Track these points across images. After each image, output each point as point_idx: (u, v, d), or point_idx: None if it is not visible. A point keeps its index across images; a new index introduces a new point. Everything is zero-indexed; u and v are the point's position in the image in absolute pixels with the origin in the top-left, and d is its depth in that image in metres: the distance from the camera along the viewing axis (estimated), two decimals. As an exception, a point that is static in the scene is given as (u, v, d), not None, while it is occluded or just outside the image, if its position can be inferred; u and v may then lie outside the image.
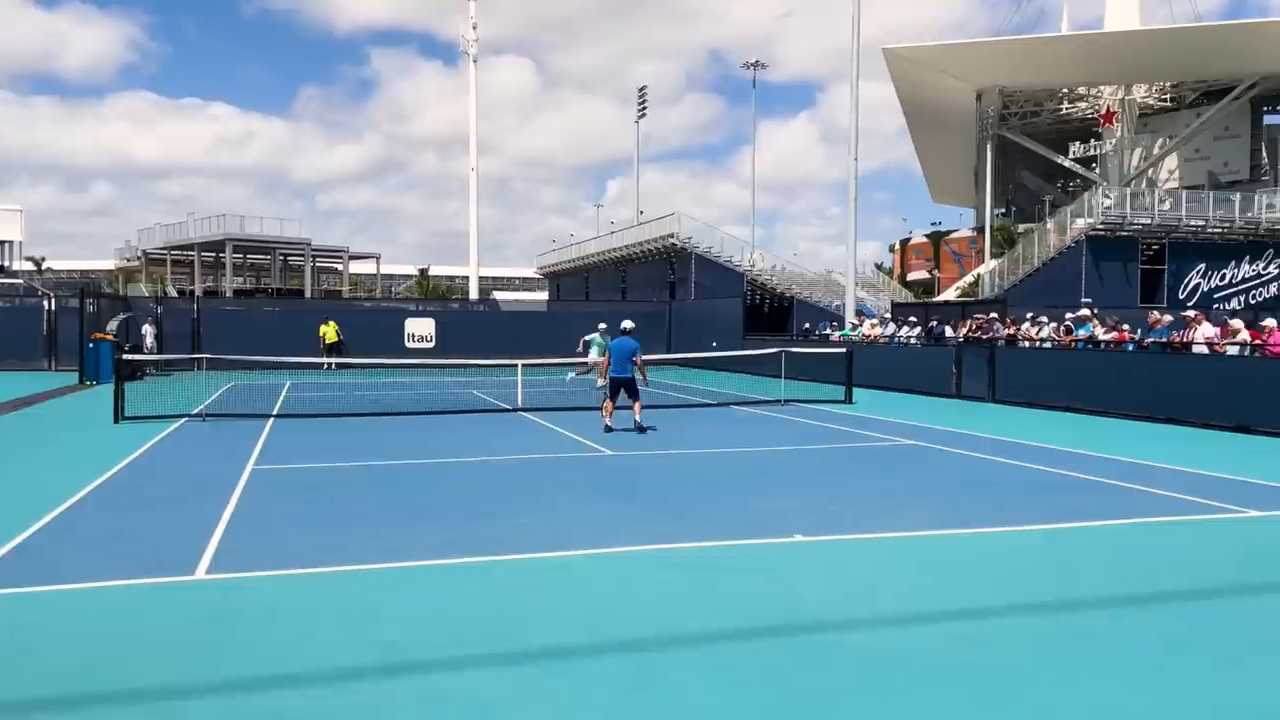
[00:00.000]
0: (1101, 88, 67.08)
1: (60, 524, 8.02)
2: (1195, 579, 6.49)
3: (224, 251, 50.87)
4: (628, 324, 15.29)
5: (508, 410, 18.02)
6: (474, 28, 46.52)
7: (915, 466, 11.62)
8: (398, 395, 21.00)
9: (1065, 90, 68.70)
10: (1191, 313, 17.42)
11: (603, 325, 24.00)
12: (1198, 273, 38.78)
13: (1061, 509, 8.79)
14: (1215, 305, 36.24)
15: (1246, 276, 39.13)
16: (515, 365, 19.06)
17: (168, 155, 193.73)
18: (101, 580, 6.27)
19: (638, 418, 14.72)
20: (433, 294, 78.48)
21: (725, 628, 5.39)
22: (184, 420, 16.00)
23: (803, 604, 5.85)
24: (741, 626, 5.41)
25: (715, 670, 4.73)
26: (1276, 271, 39.19)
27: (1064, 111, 70.70)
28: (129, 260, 64.81)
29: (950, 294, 60.82)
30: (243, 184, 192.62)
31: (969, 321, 23.03)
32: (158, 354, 27.09)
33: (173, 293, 50.24)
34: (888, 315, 33.00)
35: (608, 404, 14.77)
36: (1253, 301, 37.82)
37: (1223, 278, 38.97)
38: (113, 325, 27.03)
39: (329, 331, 31.13)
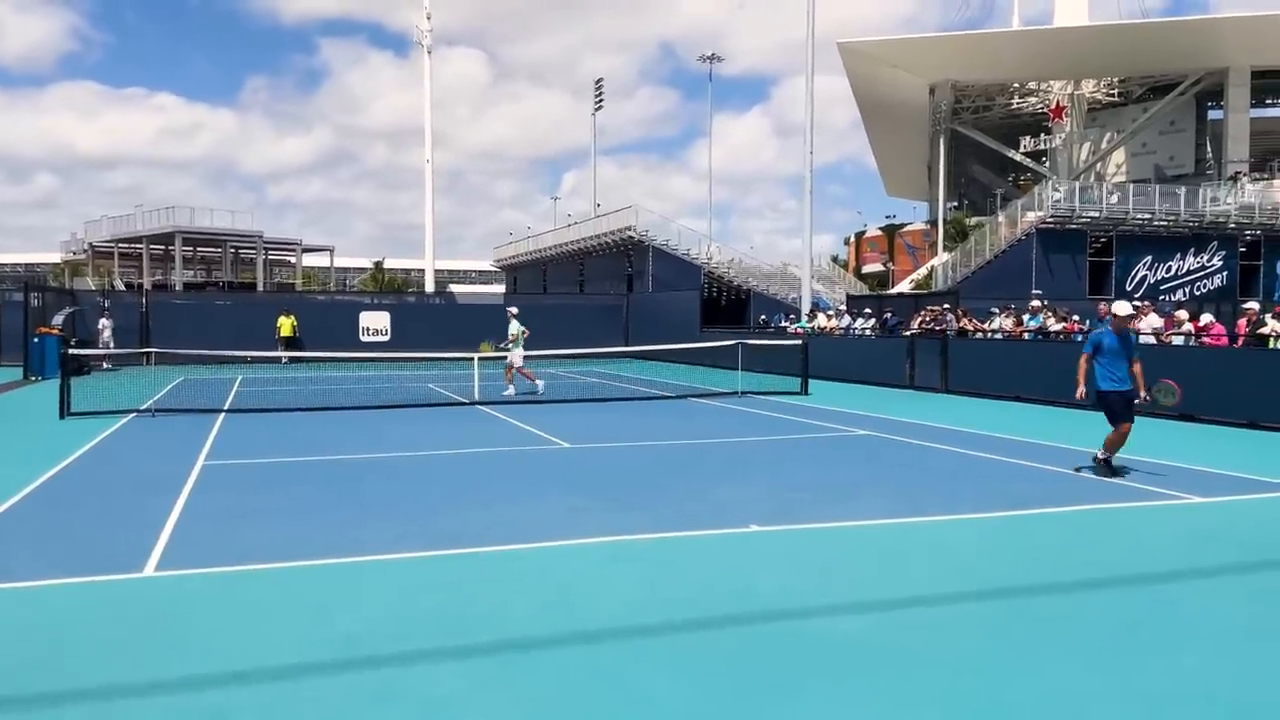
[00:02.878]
0: (1051, 83, 68.10)
1: (3, 521, 7.83)
2: (1143, 564, 6.62)
3: (173, 244, 49.94)
4: (1124, 307, 10.15)
5: (464, 404, 17.90)
6: (428, 18, 46.11)
7: (870, 456, 11.72)
8: (352, 389, 20.79)
9: (1016, 85, 69.63)
10: (1138, 303, 17.74)
11: (514, 309, 20.21)
12: (1144, 265, 39.53)
13: (1013, 497, 8.93)
14: (1161, 297, 36.94)
15: (1191, 268, 39.96)
16: (471, 359, 18.91)
17: (112, 146, 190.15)
18: (46, 579, 6.13)
19: (1112, 455, 10.02)
20: (388, 287, 77.78)
21: (681, 618, 5.40)
22: (132, 415, 15.71)
23: (758, 593, 5.88)
24: (697, 616, 5.42)
25: (671, 661, 4.73)
26: (1220, 264, 40.08)
27: (1015, 106, 71.69)
28: (75, 253, 63.42)
29: (904, 286, 61.43)
30: (190, 176, 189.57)
31: (923, 313, 23.29)
32: (114, 348, 26.50)
33: (120, 286, 49.28)
34: (842, 307, 33.29)
35: (1120, 429, 9.86)
36: (1198, 293, 38.63)
37: (1169, 270, 39.76)
38: (58, 319, 26.44)
39: (285, 324, 30.55)
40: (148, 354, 27.13)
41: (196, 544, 7.07)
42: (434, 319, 33.46)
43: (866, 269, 75.57)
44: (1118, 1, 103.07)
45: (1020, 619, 5.41)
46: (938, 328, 21.74)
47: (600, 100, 62.51)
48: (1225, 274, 40.16)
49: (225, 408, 17.13)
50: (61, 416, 15.20)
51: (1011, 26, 71.04)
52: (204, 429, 14.06)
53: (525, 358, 19.16)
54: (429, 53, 46.31)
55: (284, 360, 28.06)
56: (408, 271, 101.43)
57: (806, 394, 19.38)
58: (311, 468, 10.75)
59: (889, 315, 25.10)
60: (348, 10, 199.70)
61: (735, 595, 5.83)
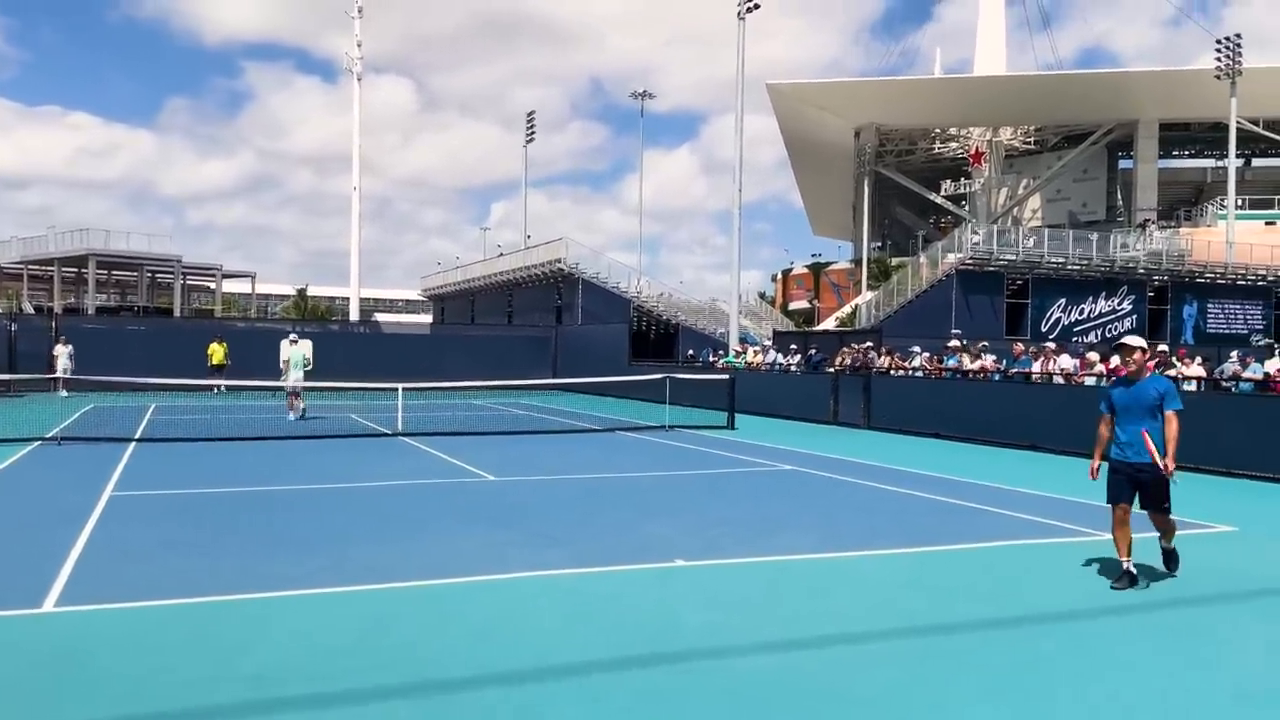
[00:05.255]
0: (971, 129, 70.33)
1: (-108, 555, 7.45)
2: (1054, 599, 6.76)
3: (86, 267, 48.45)
4: (1132, 339, 7.23)
5: (387, 434, 17.61)
6: (359, 45, 45.81)
7: (794, 491, 11.81)
8: (270, 419, 20.28)
9: (938, 130, 71.78)
10: (1051, 345, 18.29)
11: (293, 335, 21.20)
12: (1059, 307, 40.79)
13: (930, 532, 9.06)
14: (1074, 338, 38.07)
15: (1103, 311, 41.35)
16: (395, 389, 18.63)
17: (25, 165, 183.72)
18: (-64, 615, 5.84)
19: (1168, 544, 7.31)
20: (311, 315, 76.47)
21: (604, 656, 5.35)
22: (36, 444, 15.12)
23: (681, 629, 5.86)
24: (620, 654, 5.38)
25: (593, 699, 4.68)
26: (1130, 307, 41.55)
27: (936, 151, 73.84)
28: (-19, 274, 61.11)
29: (829, 324, 62.51)
30: (107, 197, 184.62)
31: (850, 349, 23.66)
32: (72, 375, 25.46)
33: (29, 309, 47.62)
34: (768, 343, 33.66)
35: (1118, 512, 7.13)
36: (1109, 335, 39.89)
37: (1081, 312, 41.10)
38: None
39: (217, 352, 29.43)
40: (55, 379, 26.28)
41: (101, 578, 6.81)
42: (358, 348, 32.91)
43: (793, 306, 76.68)
44: (1034, 53, 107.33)
45: (936, 655, 5.47)
46: (862, 365, 22.10)
47: (532, 132, 62.60)
48: (1135, 317, 41.62)
49: (136, 437, 16.59)
50: (-37, 444, 14.62)
51: (934, 74, 73.33)
52: (113, 458, 13.59)
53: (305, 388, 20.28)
54: (359, 80, 45.97)
55: (218, 389, 27.16)
56: (332, 299, 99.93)
57: (733, 429, 19.49)
58: (224, 499, 10.45)
59: (813, 352, 25.46)
60: (273, 34, 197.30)
61: (658, 631, 5.80)
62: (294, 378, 19.77)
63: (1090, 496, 11.28)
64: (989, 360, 19.45)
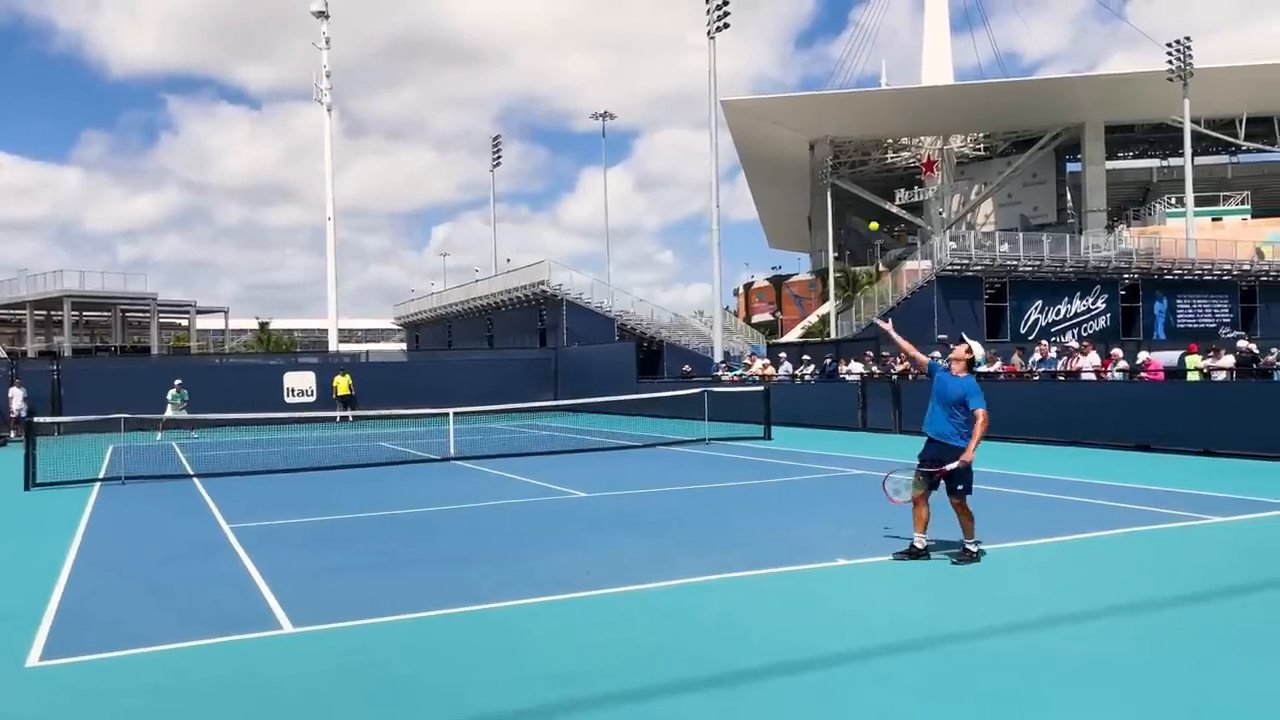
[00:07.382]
0: (922, 138, 72.04)
1: (104, 588, 7.57)
2: (1185, 584, 7.24)
3: (57, 310, 47.64)
4: (975, 349, 8.00)
5: (437, 460, 17.71)
6: (327, 75, 45.87)
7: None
8: (313, 449, 20.25)
9: (890, 141, 73.41)
10: (1075, 344, 19.01)
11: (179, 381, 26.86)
12: (1036, 308, 41.98)
13: (1050, 524, 9.56)
14: (1053, 338, 39.21)
15: (1078, 311, 42.61)
16: (446, 414, 18.78)
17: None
18: (191, 640, 6.02)
19: (970, 540, 7.84)
20: (275, 348, 75.72)
21: (861, 646, 5.72)
22: (98, 484, 14.98)
23: (904, 620, 6.24)
24: (866, 645, 5.76)
25: (865, 688, 5.05)
26: (1104, 306, 42.87)
27: (889, 161, 75.48)
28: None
29: (793, 335, 63.42)
30: (35, 236, 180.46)
31: (868, 356, 24.28)
32: (27, 417, 25.05)
33: (1, 353, 46.66)
34: (783, 355, 34.29)
35: (916, 501, 8.03)
36: (1085, 334, 41.16)
37: (1058, 313, 42.32)
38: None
39: (342, 383, 30.89)
40: (58, 424, 25.85)
41: (318, 602, 6.94)
42: (357, 378, 32.82)
43: (756, 318, 77.53)
44: (979, 62, 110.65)
45: (1186, 626, 5.94)
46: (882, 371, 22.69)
47: (499, 156, 62.95)
48: (1109, 315, 42.95)
49: (192, 473, 16.53)
50: (27, 488, 14.51)
51: (881, 85, 75.05)
52: (190, 493, 13.63)
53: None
54: (329, 111, 45.97)
55: (346, 418, 28.77)
56: (291, 331, 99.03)
57: (769, 439, 19.85)
58: (355, 525, 10.60)
59: (828, 361, 26.04)
60: (198, 66, 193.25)
61: (887, 623, 6.18)
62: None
63: (1186, 486, 11.91)
64: (1014, 361, 20.15)
